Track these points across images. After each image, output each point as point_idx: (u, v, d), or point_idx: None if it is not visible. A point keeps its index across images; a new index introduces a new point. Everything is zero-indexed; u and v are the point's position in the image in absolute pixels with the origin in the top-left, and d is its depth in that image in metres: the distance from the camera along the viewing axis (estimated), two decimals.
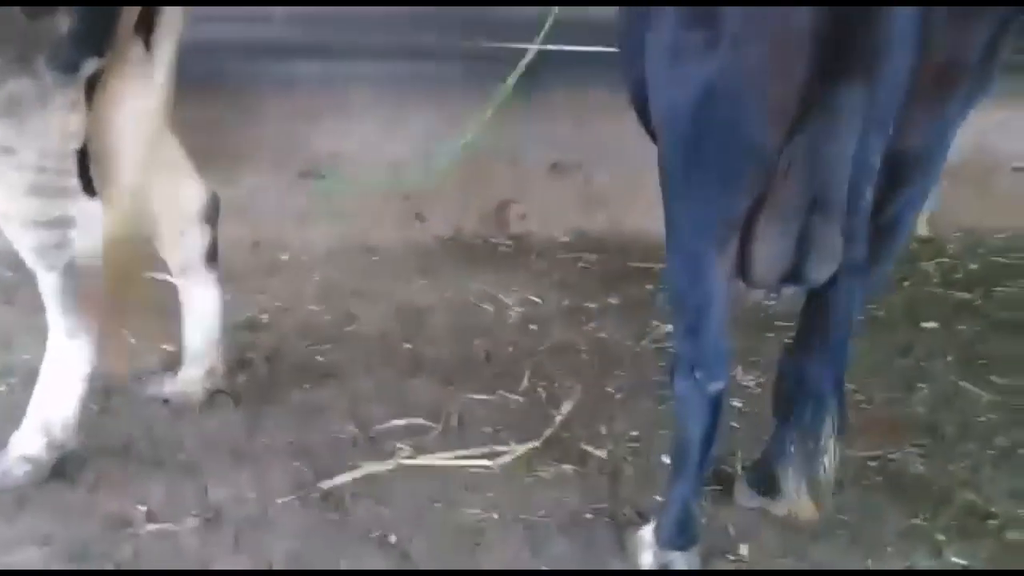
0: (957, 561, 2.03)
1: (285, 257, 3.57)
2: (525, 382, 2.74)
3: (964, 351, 3.08)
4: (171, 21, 1.95)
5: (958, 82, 1.56)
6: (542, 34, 2.94)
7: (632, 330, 3.13)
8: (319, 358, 2.83)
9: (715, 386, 1.81)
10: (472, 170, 3.77)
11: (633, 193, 4.08)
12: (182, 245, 2.35)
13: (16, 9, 1.70)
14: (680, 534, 1.93)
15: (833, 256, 1.71)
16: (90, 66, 1.79)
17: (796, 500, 1.72)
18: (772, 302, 3.03)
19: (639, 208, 4.05)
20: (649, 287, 3.51)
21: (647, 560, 1.96)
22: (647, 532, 1.98)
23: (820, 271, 1.79)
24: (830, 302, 1.73)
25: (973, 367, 2.96)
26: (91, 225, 1.95)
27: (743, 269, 1.81)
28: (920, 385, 2.83)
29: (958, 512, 2.21)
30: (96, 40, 1.78)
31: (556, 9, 2.88)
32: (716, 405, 1.83)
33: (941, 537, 2.11)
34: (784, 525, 2.13)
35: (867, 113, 1.48)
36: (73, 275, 1.99)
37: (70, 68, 1.77)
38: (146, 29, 1.93)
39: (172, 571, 1.93)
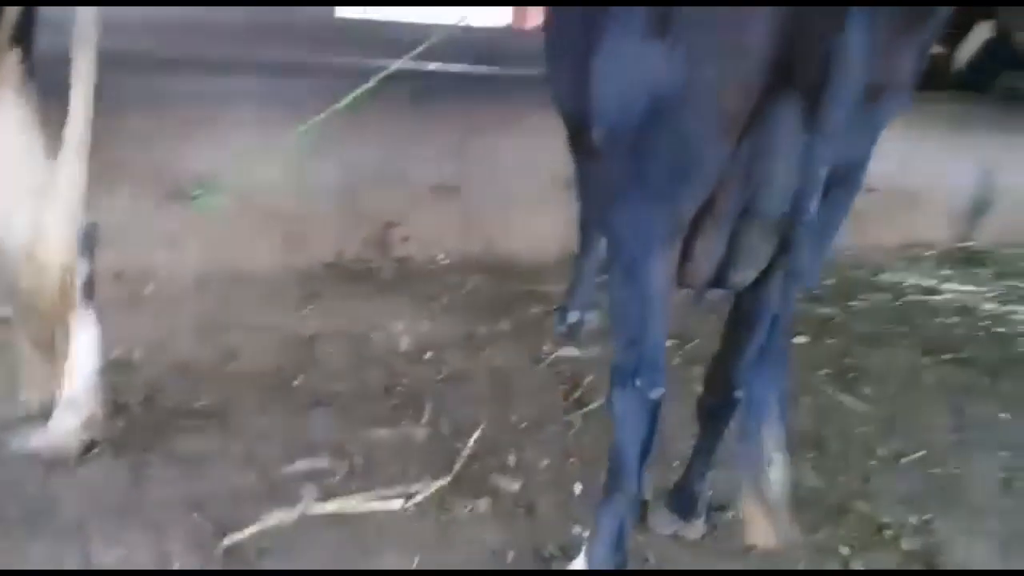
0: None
1: (151, 288, 3.31)
2: (427, 414, 2.66)
3: (835, 364, 3.27)
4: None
5: (891, 100, 1.64)
6: (418, 51, 2.87)
7: (527, 355, 3.12)
8: (203, 399, 2.62)
9: (655, 393, 1.80)
10: (352, 192, 3.64)
11: (511, 216, 4.10)
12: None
13: None
14: (616, 552, 1.90)
15: (757, 261, 1.76)
16: None
17: (752, 525, 1.70)
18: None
19: (516, 231, 4.09)
20: (536, 310, 3.52)
21: None
22: (579, 563, 1.95)
23: (745, 275, 1.82)
24: (763, 309, 1.76)
25: (845, 380, 3.15)
26: None
27: (675, 272, 1.80)
28: (802, 399, 2.97)
29: (855, 523, 2.31)
30: None
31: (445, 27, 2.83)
32: (655, 413, 1.82)
33: (845, 550, 2.19)
34: (699, 548, 2.17)
35: (816, 126, 1.52)
36: None
37: None
38: (25, 41, 1.70)
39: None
